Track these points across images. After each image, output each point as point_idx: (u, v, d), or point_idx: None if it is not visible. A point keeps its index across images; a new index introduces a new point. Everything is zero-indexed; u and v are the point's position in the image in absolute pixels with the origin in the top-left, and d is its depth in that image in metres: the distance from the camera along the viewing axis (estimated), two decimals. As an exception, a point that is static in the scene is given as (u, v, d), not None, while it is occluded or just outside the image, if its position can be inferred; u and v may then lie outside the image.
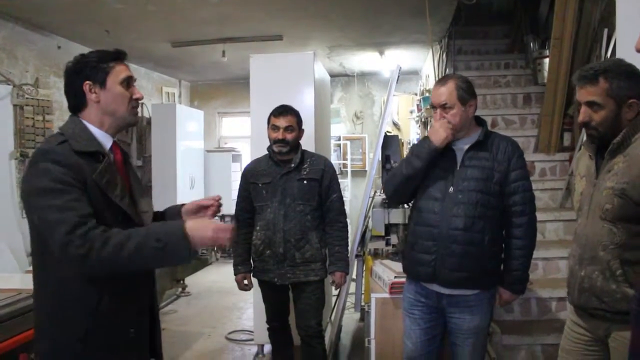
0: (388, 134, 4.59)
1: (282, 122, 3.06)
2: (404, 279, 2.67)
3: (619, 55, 2.56)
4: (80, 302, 1.61)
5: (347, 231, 3.24)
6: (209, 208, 1.88)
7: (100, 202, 1.60)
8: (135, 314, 1.73)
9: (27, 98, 5.25)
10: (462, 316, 2.39)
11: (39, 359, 1.68)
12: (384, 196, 3.18)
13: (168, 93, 8.34)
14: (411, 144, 5.35)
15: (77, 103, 1.72)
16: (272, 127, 3.09)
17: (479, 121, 2.47)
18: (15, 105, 5.11)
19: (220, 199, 1.91)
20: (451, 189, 2.35)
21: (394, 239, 3.45)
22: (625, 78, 1.84)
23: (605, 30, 4.11)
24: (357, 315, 4.92)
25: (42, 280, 1.66)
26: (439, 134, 2.33)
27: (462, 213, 2.30)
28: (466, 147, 2.39)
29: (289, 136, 3.06)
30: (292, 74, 4.13)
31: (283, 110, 3.10)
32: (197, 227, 1.56)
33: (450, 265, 2.32)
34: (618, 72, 1.85)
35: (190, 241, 1.54)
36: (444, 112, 2.37)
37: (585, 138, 2.12)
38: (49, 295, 1.64)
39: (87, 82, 1.69)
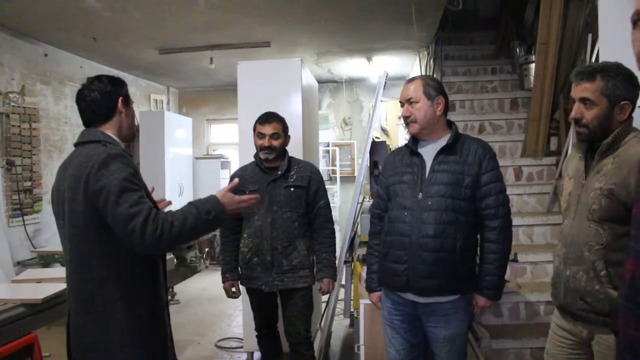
0: (376, 139, 4.61)
1: (267, 129, 3.07)
2: None
3: (602, 60, 2.59)
4: (147, 277, 1.95)
5: (335, 238, 3.23)
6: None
7: None
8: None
9: (13, 106, 5.22)
10: (438, 325, 2.35)
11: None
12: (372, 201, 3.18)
13: (156, 100, 8.31)
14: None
15: (106, 114, 1.99)
16: (258, 135, 3.10)
17: (449, 125, 2.45)
18: (1, 114, 5.07)
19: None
20: (420, 195, 2.31)
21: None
22: (622, 80, 1.88)
23: (590, 36, 4.16)
24: (348, 321, 4.92)
25: (113, 267, 1.86)
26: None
27: (432, 220, 2.26)
28: (435, 151, 2.36)
29: (275, 143, 3.07)
30: (279, 80, 4.13)
31: (268, 118, 3.11)
32: (228, 198, 1.94)
33: (423, 273, 2.27)
34: (616, 72, 1.88)
35: (227, 210, 1.91)
36: (410, 107, 2.36)
37: (575, 140, 2.14)
38: (122, 278, 1.87)
39: (121, 97, 2.01)
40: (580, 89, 1.94)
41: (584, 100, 1.93)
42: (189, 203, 1.90)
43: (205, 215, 1.84)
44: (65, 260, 1.94)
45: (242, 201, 1.97)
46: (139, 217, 1.73)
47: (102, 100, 1.98)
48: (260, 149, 3.09)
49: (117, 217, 1.74)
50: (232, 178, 3.28)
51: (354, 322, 3.91)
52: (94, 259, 1.84)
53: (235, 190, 3.14)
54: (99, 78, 2.02)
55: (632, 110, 1.92)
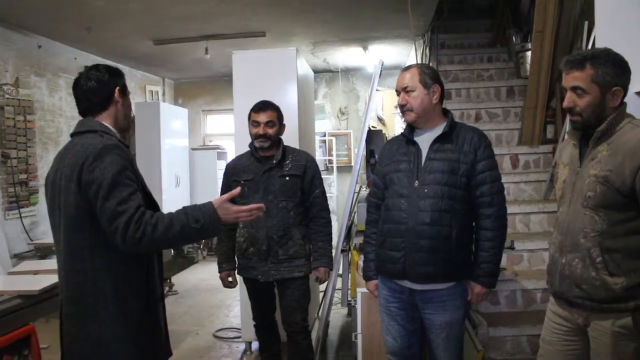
0: (373, 128, 4.61)
1: (262, 117, 3.06)
2: None
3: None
4: (141, 269, 1.93)
5: (331, 227, 3.23)
6: None
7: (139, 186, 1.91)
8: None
9: (7, 98, 5.18)
10: (435, 311, 2.37)
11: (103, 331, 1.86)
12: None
13: (152, 91, 8.28)
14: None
15: (103, 103, 1.98)
16: (253, 123, 3.09)
17: (445, 113, 2.46)
18: (-5, 106, 5.04)
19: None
20: (416, 183, 2.33)
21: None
22: (612, 66, 1.87)
23: (586, 23, 4.15)
24: (345, 310, 4.94)
25: (105, 258, 1.85)
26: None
27: (429, 207, 2.28)
28: (431, 140, 2.37)
29: (270, 131, 3.06)
30: (274, 70, 4.11)
31: (263, 106, 3.10)
32: (224, 209, 1.86)
33: (419, 260, 2.29)
34: (605, 59, 1.88)
35: (222, 220, 1.85)
36: (406, 95, 2.38)
37: (569, 127, 2.14)
38: (115, 269, 1.87)
39: (118, 87, 2.02)
40: (570, 78, 1.93)
41: (575, 89, 1.92)
42: (183, 208, 1.86)
43: (193, 223, 1.80)
44: (57, 250, 1.93)
45: (241, 211, 1.90)
46: (123, 216, 1.73)
47: (98, 89, 1.97)
48: (255, 137, 3.08)
49: (104, 212, 1.74)
50: (227, 167, 3.27)
51: (351, 311, 3.92)
52: (86, 249, 1.84)
53: (230, 179, 3.17)
54: (96, 67, 2.02)
55: (624, 96, 1.92)
